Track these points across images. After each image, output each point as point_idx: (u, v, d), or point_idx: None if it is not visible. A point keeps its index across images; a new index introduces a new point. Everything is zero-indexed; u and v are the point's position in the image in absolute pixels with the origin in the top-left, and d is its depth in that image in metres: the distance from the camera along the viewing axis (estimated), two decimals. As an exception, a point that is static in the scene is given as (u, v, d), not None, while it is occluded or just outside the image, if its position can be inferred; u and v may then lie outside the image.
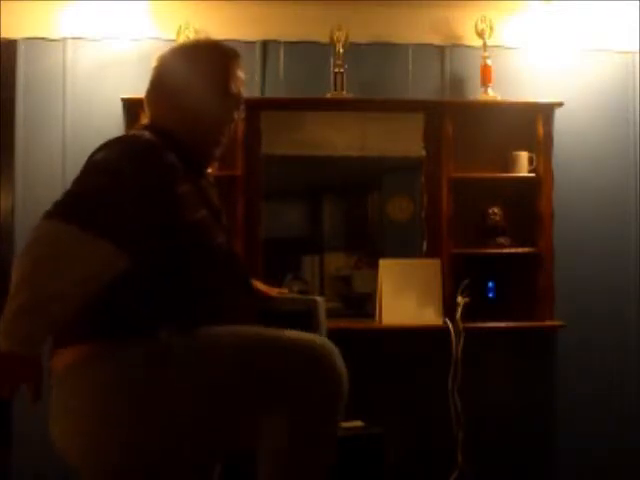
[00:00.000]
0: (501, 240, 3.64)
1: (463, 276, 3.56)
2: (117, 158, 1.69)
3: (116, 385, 1.68)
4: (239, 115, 1.94)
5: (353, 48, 3.61)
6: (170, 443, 1.70)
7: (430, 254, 3.68)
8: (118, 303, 1.70)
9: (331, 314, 2.66)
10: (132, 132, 1.83)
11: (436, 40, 3.75)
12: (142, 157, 1.71)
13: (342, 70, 3.58)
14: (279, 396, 1.69)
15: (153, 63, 1.94)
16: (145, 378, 1.68)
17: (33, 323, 1.55)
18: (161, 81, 1.90)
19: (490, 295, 3.63)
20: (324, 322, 2.31)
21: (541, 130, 3.68)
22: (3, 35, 3.50)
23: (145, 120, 1.92)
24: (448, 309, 3.56)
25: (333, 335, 2.37)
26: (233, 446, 1.83)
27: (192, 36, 3.51)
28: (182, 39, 3.50)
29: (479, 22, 3.66)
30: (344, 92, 3.58)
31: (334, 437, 1.78)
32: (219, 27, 3.59)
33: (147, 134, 1.78)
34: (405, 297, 3.58)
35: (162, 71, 1.91)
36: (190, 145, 1.84)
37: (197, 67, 1.88)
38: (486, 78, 3.65)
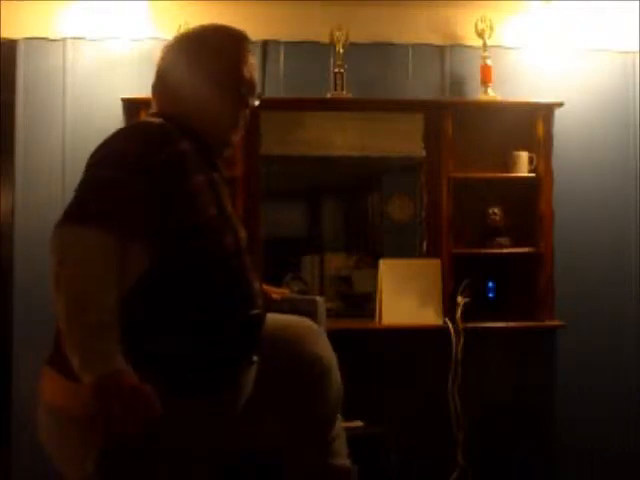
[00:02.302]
0: (501, 240, 3.64)
1: (463, 276, 3.56)
2: (132, 148, 1.61)
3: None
4: (253, 101, 1.85)
5: (353, 48, 3.61)
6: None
7: (430, 254, 3.68)
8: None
9: (331, 314, 2.66)
10: (143, 119, 1.74)
11: (436, 40, 3.75)
12: (157, 144, 1.62)
13: (342, 70, 3.58)
14: (280, 401, 1.68)
15: (159, 53, 1.85)
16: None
17: (107, 340, 1.49)
18: (166, 71, 1.80)
19: (490, 295, 3.63)
20: (324, 322, 2.31)
21: (541, 130, 3.68)
22: (3, 35, 3.50)
23: (154, 109, 1.83)
24: (448, 309, 3.56)
25: (333, 335, 2.37)
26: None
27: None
28: (182, 39, 3.51)
29: (479, 22, 3.66)
30: (344, 92, 3.58)
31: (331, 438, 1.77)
32: (219, 27, 3.59)
33: (159, 120, 1.71)
34: (405, 297, 3.58)
35: (168, 61, 1.81)
36: (202, 133, 1.76)
37: (205, 53, 1.78)
38: (486, 78, 3.65)
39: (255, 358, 1.77)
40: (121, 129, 1.70)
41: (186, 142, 1.67)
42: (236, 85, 1.79)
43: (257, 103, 1.88)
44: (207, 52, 1.79)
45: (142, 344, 1.59)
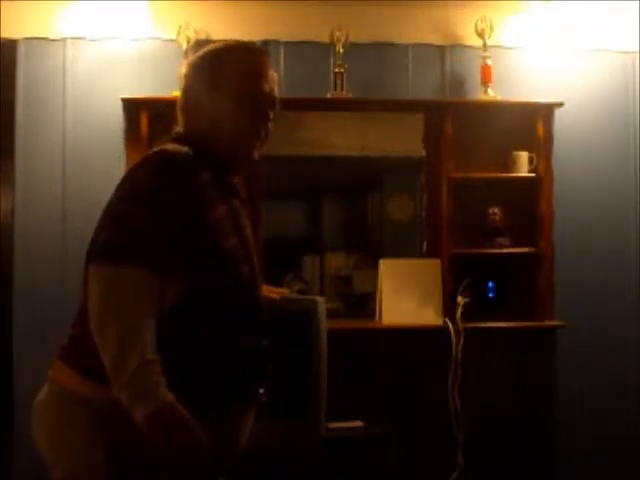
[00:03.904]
0: (501, 240, 3.64)
1: (463, 276, 3.56)
2: (156, 184, 1.64)
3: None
4: (274, 114, 1.87)
5: (353, 48, 3.61)
6: None
7: (430, 254, 3.68)
8: None
9: (331, 314, 2.65)
10: (169, 146, 1.74)
11: (436, 40, 3.75)
12: (180, 180, 1.65)
13: (342, 70, 3.58)
14: None
15: (182, 70, 1.91)
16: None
17: (156, 374, 1.54)
18: (189, 89, 1.84)
19: (490, 295, 3.63)
20: (324, 322, 2.31)
21: (541, 130, 3.68)
22: (3, 35, 3.50)
23: (178, 128, 1.86)
24: (448, 309, 3.56)
25: (333, 335, 2.37)
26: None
27: (192, 36, 3.52)
28: (182, 39, 3.51)
29: (479, 22, 3.66)
30: (344, 92, 3.58)
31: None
32: (219, 27, 3.60)
33: (178, 148, 1.73)
34: (405, 297, 3.58)
35: (190, 78, 1.85)
36: (223, 153, 1.80)
37: (224, 70, 1.81)
38: (486, 78, 3.65)
39: (261, 391, 1.81)
40: (146, 160, 1.72)
41: (207, 171, 1.71)
42: (256, 99, 1.82)
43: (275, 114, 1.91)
44: (227, 69, 1.82)
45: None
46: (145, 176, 1.67)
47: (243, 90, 1.80)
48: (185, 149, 1.72)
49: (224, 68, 1.82)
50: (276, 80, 1.89)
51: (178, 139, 1.79)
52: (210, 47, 1.90)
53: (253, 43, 1.96)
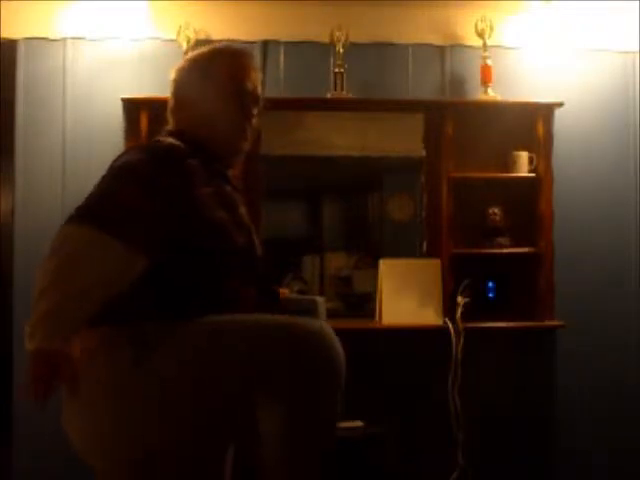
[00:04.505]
0: (501, 240, 3.64)
1: (463, 276, 3.56)
2: (137, 161, 1.76)
3: (107, 384, 1.71)
4: (258, 111, 1.99)
5: (353, 48, 3.61)
6: (171, 434, 1.71)
7: (430, 254, 3.68)
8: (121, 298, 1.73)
9: (331, 314, 2.65)
10: (156, 138, 1.90)
11: (436, 40, 3.75)
12: (162, 160, 1.77)
13: (342, 70, 3.58)
14: (276, 382, 1.69)
15: (171, 75, 2.00)
16: (133, 375, 1.70)
17: (58, 323, 1.63)
18: (178, 92, 1.97)
19: (490, 295, 3.63)
20: (324, 322, 2.31)
21: (541, 130, 3.68)
22: (3, 35, 3.50)
23: (169, 127, 1.98)
24: (448, 309, 3.56)
25: (333, 335, 2.37)
26: (236, 433, 1.84)
27: (192, 36, 3.52)
28: (182, 39, 3.51)
29: (479, 22, 3.66)
30: (344, 92, 3.58)
31: (333, 423, 1.78)
32: (219, 27, 3.60)
33: (170, 139, 1.86)
34: (405, 297, 3.58)
35: (179, 82, 1.98)
36: (214, 148, 1.91)
37: (210, 72, 1.95)
38: (486, 78, 3.65)
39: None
40: (134, 147, 1.88)
41: (194, 159, 1.80)
42: (240, 97, 1.94)
43: (259, 111, 2.02)
44: (213, 70, 1.95)
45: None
46: (129, 158, 1.78)
47: (228, 89, 1.93)
48: (171, 139, 1.85)
49: (210, 70, 1.95)
50: (259, 80, 2.01)
51: (170, 134, 1.91)
52: (196, 51, 2.04)
53: (239, 45, 2.08)
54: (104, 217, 1.66)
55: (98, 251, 1.65)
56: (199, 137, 1.89)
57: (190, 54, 2.04)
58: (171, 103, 1.98)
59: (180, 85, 1.97)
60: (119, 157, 1.81)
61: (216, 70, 1.94)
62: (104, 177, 1.75)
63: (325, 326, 1.77)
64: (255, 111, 1.97)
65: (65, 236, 1.67)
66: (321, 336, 1.73)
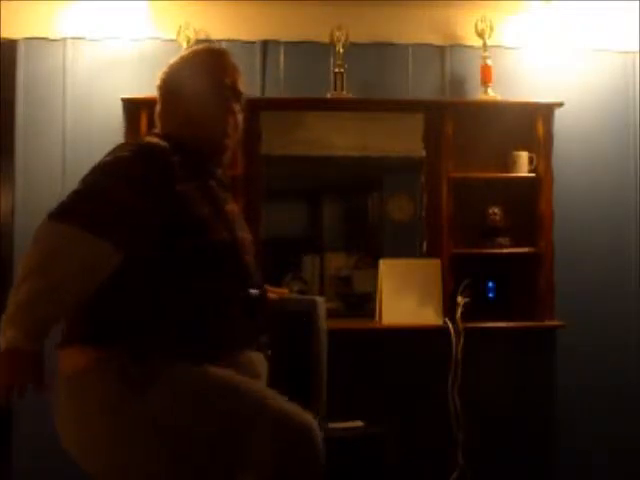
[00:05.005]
0: (501, 240, 3.64)
1: (463, 276, 3.56)
2: (119, 159, 1.79)
3: (100, 403, 1.73)
4: (240, 106, 2.01)
5: (353, 48, 3.61)
6: (156, 462, 1.72)
7: (430, 254, 3.68)
8: (112, 307, 1.75)
9: (331, 314, 2.65)
10: (141, 139, 1.96)
11: (436, 40, 3.75)
12: (143, 157, 1.80)
13: (342, 70, 3.58)
14: (257, 466, 1.69)
15: (157, 82, 2.04)
16: (125, 400, 1.71)
17: (31, 318, 1.63)
18: (162, 95, 2.02)
19: (490, 295, 3.63)
20: (324, 322, 2.31)
21: (541, 130, 3.68)
22: (3, 35, 3.50)
23: (156, 130, 2.02)
24: (448, 309, 3.56)
25: (333, 335, 2.37)
26: None
27: (192, 36, 3.52)
28: (182, 39, 3.52)
29: (479, 22, 3.66)
30: (344, 92, 3.58)
31: None
32: (219, 27, 3.60)
33: (153, 138, 1.90)
34: (405, 297, 3.58)
35: (161, 86, 2.02)
36: (198, 146, 1.93)
37: (189, 71, 1.99)
38: (486, 78, 3.65)
39: (263, 340, 1.88)
40: (117, 146, 1.88)
41: (177, 157, 1.83)
42: (219, 92, 1.97)
43: (243, 107, 2.05)
44: (191, 70, 1.99)
45: (142, 327, 1.75)
46: (111, 157, 1.82)
47: (206, 85, 1.96)
48: (154, 138, 1.90)
49: (189, 69, 1.99)
50: (240, 77, 2.03)
51: (156, 135, 1.96)
52: (178, 56, 2.07)
53: (217, 45, 2.12)
54: (84, 214, 1.69)
55: (75, 247, 1.67)
56: (184, 137, 1.92)
57: (173, 59, 2.08)
58: (157, 108, 2.02)
59: (163, 88, 2.01)
60: (103, 157, 1.84)
61: (195, 69, 1.99)
62: (86, 175, 1.79)
63: (315, 425, 1.76)
64: (237, 107, 1.99)
65: (45, 232, 1.70)
66: (310, 435, 1.73)
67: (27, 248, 1.71)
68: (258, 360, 1.88)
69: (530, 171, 3.67)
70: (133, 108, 3.48)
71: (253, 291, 1.87)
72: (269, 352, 1.89)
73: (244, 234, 1.95)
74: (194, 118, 1.94)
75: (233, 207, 1.98)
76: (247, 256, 1.92)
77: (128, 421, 1.70)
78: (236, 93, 2.00)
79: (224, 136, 1.98)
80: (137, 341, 1.73)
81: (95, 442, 1.74)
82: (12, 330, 1.62)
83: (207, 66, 1.99)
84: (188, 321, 1.77)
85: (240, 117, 2.01)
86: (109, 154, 1.84)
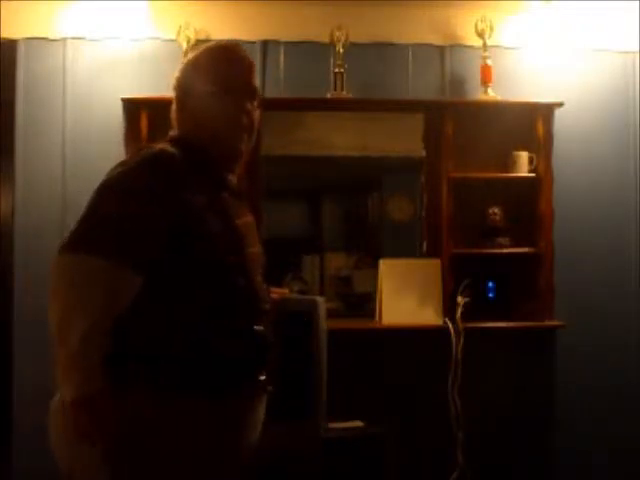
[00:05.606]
0: (501, 240, 3.64)
1: (463, 276, 3.56)
2: (121, 175, 1.74)
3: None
4: (254, 104, 1.92)
5: (353, 48, 3.61)
6: None
7: (430, 254, 3.68)
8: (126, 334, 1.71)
9: (331, 314, 2.66)
10: (150, 147, 1.85)
11: (436, 40, 3.75)
12: (146, 166, 1.74)
13: (342, 70, 3.58)
14: None
15: (172, 82, 1.99)
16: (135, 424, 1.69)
17: (92, 361, 1.61)
18: (176, 96, 1.95)
19: (490, 295, 3.63)
20: (324, 322, 2.31)
21: (541, 130, 3.68)
22: (3, 35, 3.50)
23: (172, 132, 1.95)
24: (448, 309, 3.56)
25: (333, 335, 2.37)
26: None
27: (192, 36, 3.52)
28: (182, 39, 3.52)
29: (479, 22, 3.66)
30: (344, 92, 3.58)
31: None
32: (219, 27, 3.60)
33: (162, 145, 1.83)
34: (405, 297, 3.58)
35: (176, 85, 1.96)
36: (214, 149, 1.87)
37: (201, 69, 1.91)
38: (486, 78, 3.65)
39: (263, 378, 1.82)
40: (123, 161, 1.82)
41: (187, 163, 1.78)
42: (230, 90, 1.88)
43: (256, 104, 1.95)
44: (202, 69, 1.91)
45: (147, 355, 1.72)
46: (118, 174, 1.75)
47: (218, 83, 1.88)
48: (167, 146, 1.82)
49: (201, 67, 1.91)
50: (253, 71, 1.95)
51: (170, 141, 1.88)
52: (192, 53, 2.01)
53: (232, 41, 2.09)
54: (97, 241, 1.64)
55: (98, 279, 1.62)
56: (199, 139, 1.86)
57: (187, 57, 2.02)
58: (173, 107, 1.95)
59: (177, 87, 1.94)
60: (113, 169, 1.78)
61: (206, 66, 1.91)
62: (91, 198, 1.73)
63: None
64: (249, 105, 1.90)
65: (63, 268, 1.65)
66: None
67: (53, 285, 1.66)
68: (258, 401, 1.83)
69: (530, 171, 3.67)
70: (133, 108, 3.48)
71: (258, 328, 1.80)
72: (270, 388, 1.85)
73: (254, 249, 1.89)
74: (205, 119, 1.87)
75: (246, 220, 1.90)
76: (256, 277, 1.86)
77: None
78: (249, 90, 1.91)
79: (239, 140, 1.90)
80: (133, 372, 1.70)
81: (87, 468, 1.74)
82: (73, 379, 1.60)
83: (218, 62, 1.91)
84: (187, 356, 1.73)
85: (256, 114, 1.92)
86: (113, 170, 1.77)
